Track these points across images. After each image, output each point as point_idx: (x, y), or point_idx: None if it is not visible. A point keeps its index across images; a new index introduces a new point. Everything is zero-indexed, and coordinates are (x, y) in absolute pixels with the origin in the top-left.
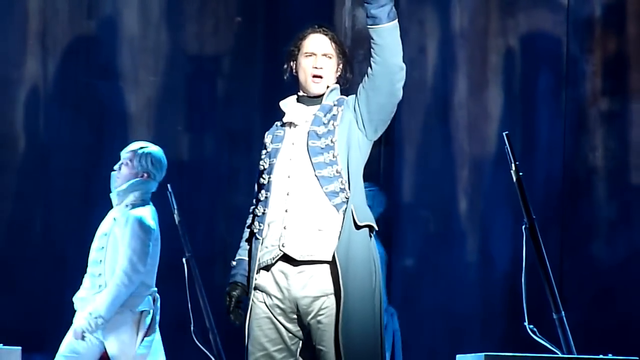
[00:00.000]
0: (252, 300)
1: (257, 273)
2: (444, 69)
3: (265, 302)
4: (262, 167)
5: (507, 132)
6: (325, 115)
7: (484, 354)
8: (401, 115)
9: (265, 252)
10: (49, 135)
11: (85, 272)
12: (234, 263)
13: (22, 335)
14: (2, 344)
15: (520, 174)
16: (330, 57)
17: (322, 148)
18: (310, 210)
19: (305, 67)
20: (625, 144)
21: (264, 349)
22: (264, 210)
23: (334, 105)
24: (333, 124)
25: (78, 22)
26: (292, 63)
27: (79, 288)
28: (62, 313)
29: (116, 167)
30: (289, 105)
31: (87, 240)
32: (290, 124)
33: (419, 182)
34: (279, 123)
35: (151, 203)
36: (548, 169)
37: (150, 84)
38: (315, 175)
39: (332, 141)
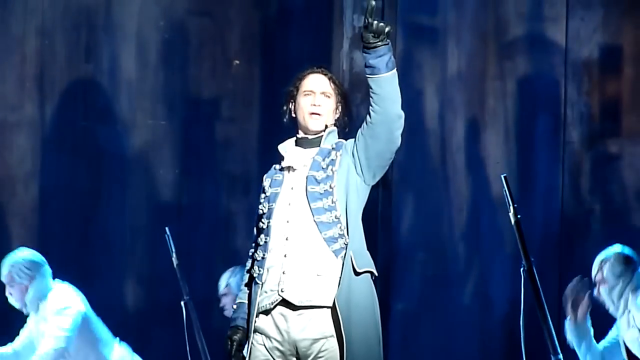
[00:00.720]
0: (252, 343)
1: (256, 317)
2: (441, 111)
3: (264, 345)
4: (261, 211)
5: (505, 175)
6: (323, 160)
7: None
8: (399, 158)
9: (265, 296)
10: (46, 179)
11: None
12: (235, 307)
13: None
14: None
15: (519, 216)
16: (328, 96)
17: (320, 194)
18: (309, 255)
19: (304, 106)
20: (622, 186)
21: None
22: (264, 254)
23: (333, 149)
24: (332, 169)
25: (76, 66)
26: (290, 104)
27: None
28: None
29: (7, 293)
30: (287, 148)
31: (84, 285)
32: (289, 168)
33: (417, 225)
34: (277, 166)
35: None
36: (546, 211)
37: (148, 127)
38: (314, 221)
39: (330, 187)
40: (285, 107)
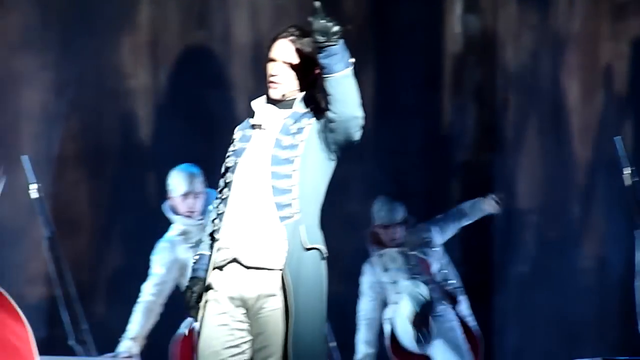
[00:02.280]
0: (205, 299)
1: (211, 271)
2: (555, 74)
3: (217, 300)
4: (227, 165)
5: (620, 137)
6: (293, 123)
7: (600, 358)
8: (513, 121)
9: (219, 253)
10: (160, 146)
11: None
12: (197, 257)
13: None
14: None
15: (636, 179)
16: (291, 64)
17: (283, 159)
18: (261, 217)
19: (267, 73)
20: None
21: (212, 347)
22: (224, 209)
23: (304, 114)
24: (299, 138)
25: (188, 33)
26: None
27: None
28: (177, 323)
29: (188, 207)
30: (259, 105)
31: None
32: (258, 126)
33: (532, 188)
34: (250, 120)
35: None
36: None
37: (262, 93)
38: (271, 185)
39: (294, 155)
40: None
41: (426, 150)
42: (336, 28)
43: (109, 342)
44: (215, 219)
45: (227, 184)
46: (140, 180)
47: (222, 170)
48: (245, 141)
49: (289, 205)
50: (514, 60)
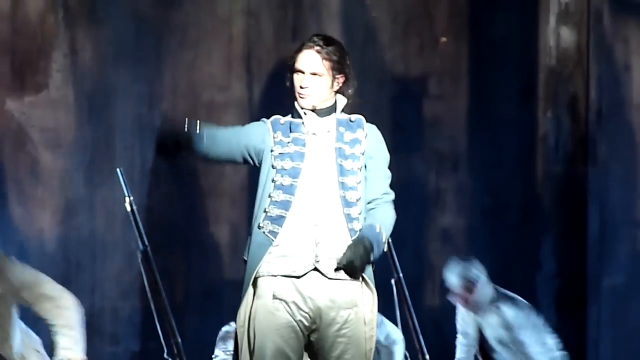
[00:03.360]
0: (270, 310)
1: (273, 278)
2: None
3: (288, 311)
4: (276, 165)
5: None
6: (346, 131)
7: None
8: (607, 133)
9: (288, 261)
10: None
11: None
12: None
13: None
14: None
15: None
16: (320, 75)
17: (348, 170)
18: (337, 228)
19: (295, 84)
20: None
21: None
22: (283, 213)
23: (355, 125)
24: (358, 150)
25: (283, 45)
26: (289, 74)
27: None
28: None
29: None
30: (303, 111)
31: None
32: (311, 132)
33: (628, 200)
34: (282, 120)
35: None
36: None
37: (355, 106)
38: (340, 196)
39: (357, 167)
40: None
41: (521, 162)
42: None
43: (201, 356)
44: (267, 218)
45: (281, 186)
46: (233, 193)
47: (267, 166)
48: (301, 145)
49: (357, 219)
50: (607, 73)
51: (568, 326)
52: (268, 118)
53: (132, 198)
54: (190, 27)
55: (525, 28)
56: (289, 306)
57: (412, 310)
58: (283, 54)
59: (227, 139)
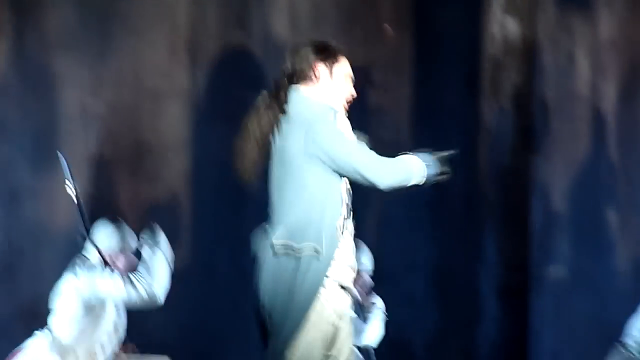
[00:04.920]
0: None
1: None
2: (593, 77)
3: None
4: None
5: None
6: None
7: None
8: (551, 124)
9: (346, 272)
10: (198, 147)
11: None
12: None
13: (170, 346)
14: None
15: None
16: None
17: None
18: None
19: (347, 89)
20: None
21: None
22: (347, 219)
23: None
24: None
25: (227, 33)
26: (327, 65)
27: (228, 300)
28: (210, 325)
29: None
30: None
31: (237, 252)
32: None
33: (571, 191)
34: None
35: None
36: None
37: None
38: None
39: None
40: (316, 62)
41: (464, 153)
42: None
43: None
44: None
45: (348, 208)
46: (176, 181)
47: (345, 186)
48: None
49: None
50: (552, 64)
51: (510, 316)
52: (212, 106)
53: (74, 183)
54: (134, 14)
55: (470, 18)
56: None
57: None
58: (227, 42)
59: None
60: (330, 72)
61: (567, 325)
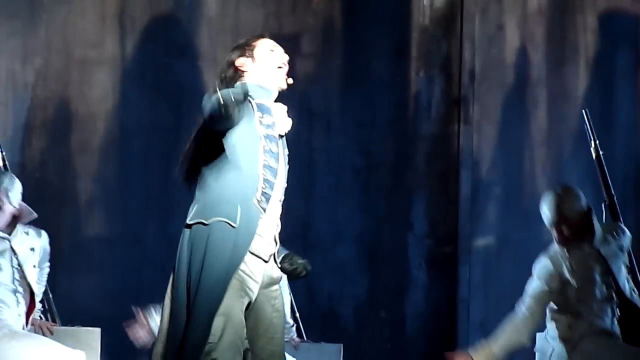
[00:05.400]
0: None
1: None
2: (522, 46)
3: (250, 288)
4: (269, 164)
5: (586, 109)
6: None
7: None
8: (479, 92)
9: (261, 243)
10: (127, 116)
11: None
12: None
13: (102, 316)
14: (81, 325)
15: (601, 152)
16: None
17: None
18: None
19: (274, 62)
20: None
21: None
22: (267, 198)
23: None
24: None
25: (156, 2)
26: (247, 55)
27: (157, 268)
28: (140, 293)
29: None
30: (273, 105)
31: (166, 221)
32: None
33: (498, 160)
34: (266, 120)
35: None
36: (627, 146)
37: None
38: (281, 198)
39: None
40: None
41: (393, 122)
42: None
43: (71, 312)
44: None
45: (268, 183)
46: (106, 149)
47: (262, 162)
48: (276, 147)
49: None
50: (480, 32)
51: (439, 286)
52: (141, 75)
53: (4, 153)
54: None
55: None
56: (252, 283)
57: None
58: (156, 11)
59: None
60: (252, 58)
61: (495, 295)
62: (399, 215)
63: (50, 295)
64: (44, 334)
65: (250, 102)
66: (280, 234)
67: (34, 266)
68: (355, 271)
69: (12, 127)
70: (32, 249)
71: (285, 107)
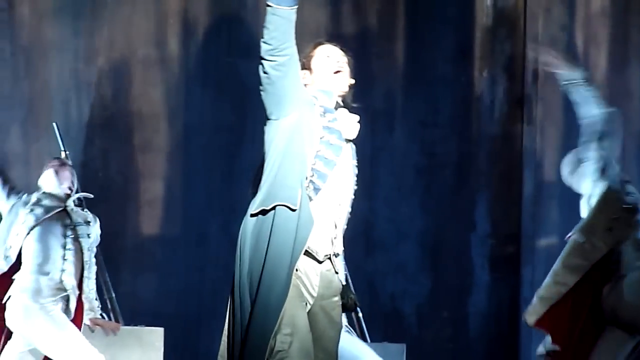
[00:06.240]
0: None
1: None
2: (585, 46)
3: (309, 293)
4: (325, 139)
5: None
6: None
7: None
8: (543, 93)
9: (315, 239)
10: (190, 115)
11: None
12: None
13: (164, 315)
14: (144, 325)
15: None
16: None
17: (356, 182)
18: (343, 228)
19: (329, 69)
20: None
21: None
22: (317, 185)
23: None
24: None
25: (219, 1)
26: (306, 66)
27: (220, 268)
28: (203, 293)
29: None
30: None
31: (228, 220)
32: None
33: (560, 160)
34: (331, 114)
35: None
36: None
37: None
38: (348, 212)
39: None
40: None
41: (456, 121)
42: None
43: (135, 311)
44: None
45: (318, 173)
46: (170, 148)
47: (314, 151)
48: (337, 141)
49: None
50: (544, 33)
51: (502, 286)
52: (204, 75)
53: (68, 152)
54: None
55: None
56: (307, 288)
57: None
58: (220, 11)
59: None
60: (310, 70)
61: None
62: (461, 215)
63: (113, 295)
64: (107, 334)
65: (315, 103)
66: (339, 240)
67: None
68: (418, 271)
69: (76, 126)
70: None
71: (356, 117)
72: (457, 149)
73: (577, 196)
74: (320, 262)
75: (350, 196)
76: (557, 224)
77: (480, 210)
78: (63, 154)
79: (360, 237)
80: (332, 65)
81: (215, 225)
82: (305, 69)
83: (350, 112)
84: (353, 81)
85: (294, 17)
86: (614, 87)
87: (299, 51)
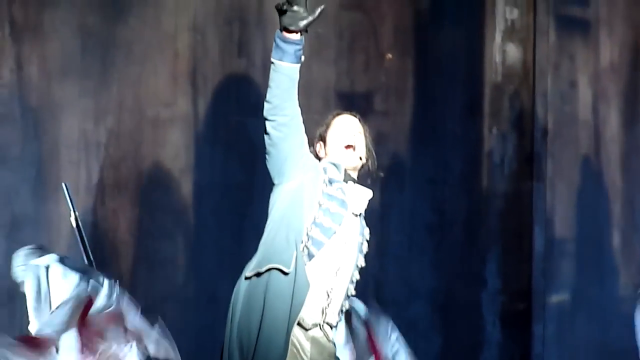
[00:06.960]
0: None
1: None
2: (595, 103)
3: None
4: (326, 210)
5: None
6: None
7: None
8: (552, 149)
9: (306, 311)
10: (200, 175)
11: None
12: None
13: None
14: None
15: None
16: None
17: (365, 253)
18: (341, 301)
19: (341, 140)
20: None
21: None
22: (311, 252)
23: None
24: None
25: (228, 61)
26: (323, 139)
27: None
28: (214, 354)
29: None
30: (344, 184)
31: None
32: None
33: (571, 217)
34: (337, 179)
35: None
36: None
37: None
38: (352, 279)
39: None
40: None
41: (466, 179)
42: (307, 20)
43: None
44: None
45: (313, 240)
46: (178, 208)
47: (312, 217)
48: (339, 220)
49: (350, 297)
50: (553, 89)
51: (513, 343)
52: (213, 134)
53: (77, 213)
54: (136, 42)
55: (471, 44)
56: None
57: None
58: (229, 70)
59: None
60: (324, 142)
61: (570, 352)
62: (472, 272)
63: None
64: None
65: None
66: (333, 310)
67: None
68: (429, 328)
69: (85, 187)
70: None
71: (369, 192)
72: (467, 206)
73: (588, 252)
74: (306, 330)
75: (351, 269)
76: (568, 280)
77: (490, 267)
78: (72, 215)
79: (371, 295)
80: (345, 139)
81: (225, 284)
82: (322, 140)
83: (373, 178)
84: (365, 156)
85: (296, 75)
86: (624, 144)
87: (310, 110)
